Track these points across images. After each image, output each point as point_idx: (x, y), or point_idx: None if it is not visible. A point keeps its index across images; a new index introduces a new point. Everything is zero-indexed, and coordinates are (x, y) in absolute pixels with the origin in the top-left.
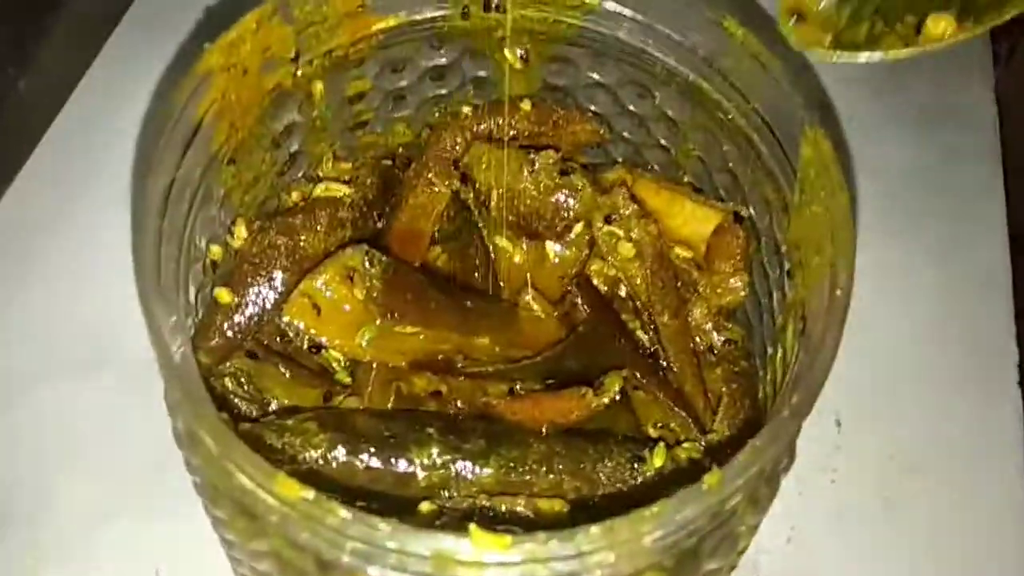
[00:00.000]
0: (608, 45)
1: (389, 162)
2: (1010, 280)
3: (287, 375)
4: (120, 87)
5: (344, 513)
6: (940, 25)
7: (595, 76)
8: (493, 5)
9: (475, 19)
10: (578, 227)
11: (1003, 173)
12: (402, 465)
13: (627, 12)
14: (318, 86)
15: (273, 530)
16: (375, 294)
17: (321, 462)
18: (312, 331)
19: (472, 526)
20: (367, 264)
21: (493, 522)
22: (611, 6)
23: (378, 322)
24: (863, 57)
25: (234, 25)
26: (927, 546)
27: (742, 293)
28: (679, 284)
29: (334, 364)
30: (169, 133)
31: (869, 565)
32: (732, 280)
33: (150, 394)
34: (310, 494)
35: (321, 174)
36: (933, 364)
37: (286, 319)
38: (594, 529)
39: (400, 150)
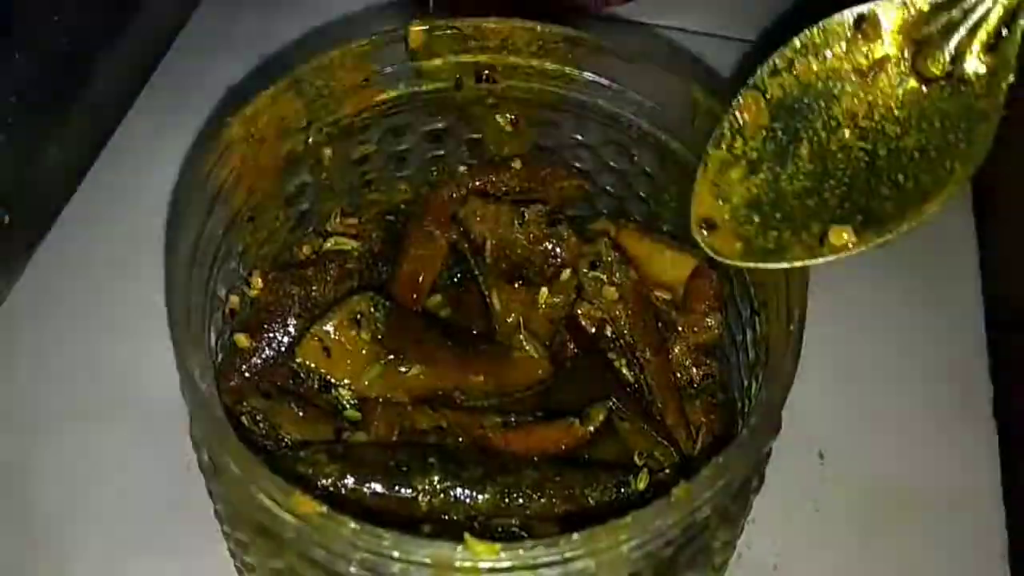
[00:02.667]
0: (588, 110)
1: (392, 217)
2: (983, 316)
3: (299, 413)
4: (144, 151)
5: (353, 525)
6: (842, 236)
7: (579, 137)
8: (484, 77)
9: (467, 90)
10: (565, 273)
11: (974, 209)
12: (405, 491)
13: (604, 81)
14: (326, 151)
15: (289, 546)
16: (380, 336)
17: (332, 489)
18: (322, 370)
19: (467, 535)
20: (373, 309)
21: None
22: (590, 76)
23: (382, 362)
24: (771, 265)
25: (253, 100)
26: (908, 573)
27: (717, 331)
28: (660, 324)
29: (343, 402)
30: (196, 196)
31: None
32: (708, 319)
33: (167, 435)
34: (323, 508)
35: (329, 229)
36: (911, 399)
37: (299, 360)
38: (575, 536)
39: (402, 206)
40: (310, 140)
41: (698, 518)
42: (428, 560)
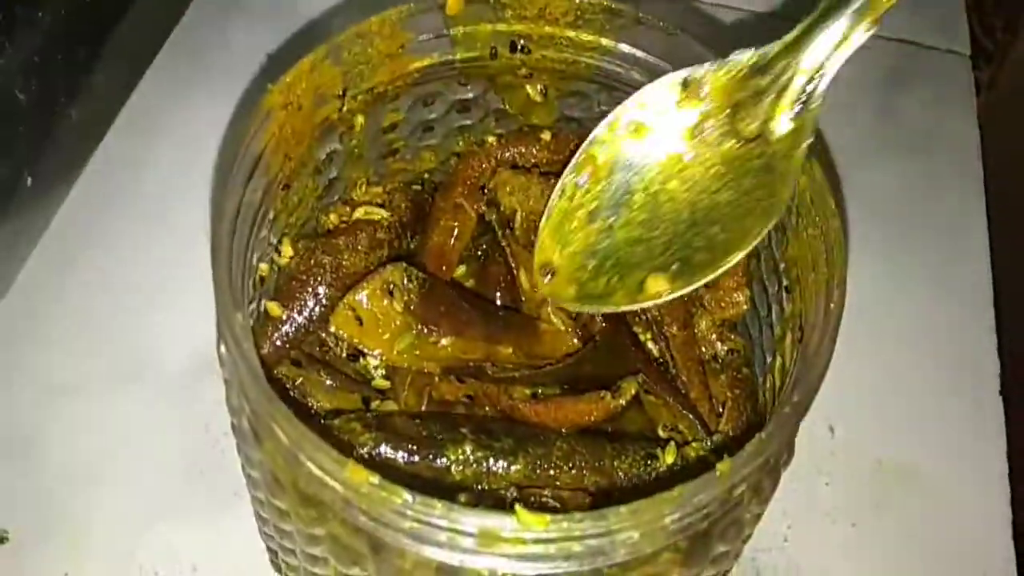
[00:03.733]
0: (620, 81)
1: (419, 187)
2: (992, 296)
3: (328, 382)
4: (159, 115)
5: (407, 495)
6: (657, 284)
7: (607, 108)
8: (519, 47)
9: (502, 59)
10: None
11: (984, 194)
12: (439, 461)
13: (639, 54)
14: (359, 119)
15: (334, 515)
16: (412, 307)
17: (366, 458)
18: (355, 340)
19: (518, 507)
20: (406, 280)
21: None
22: (625, 48)
23: (414, 332)
24: (598, 309)
25: (292, 67)
26: (915, 545)
27: (744, 307)
28: (685, 299)
29: (371, 371)
30: (239, 163)
31: (860, 564)
32: (735, 295)
33: (183, 401)
34: (375, 479)
35: (355, 197)
36: (920, 375)
37: (332, 329)
38: (623, 509)
39: (426, 175)
40: (344, 108)
41: (736, 492)
42: (477, 530)
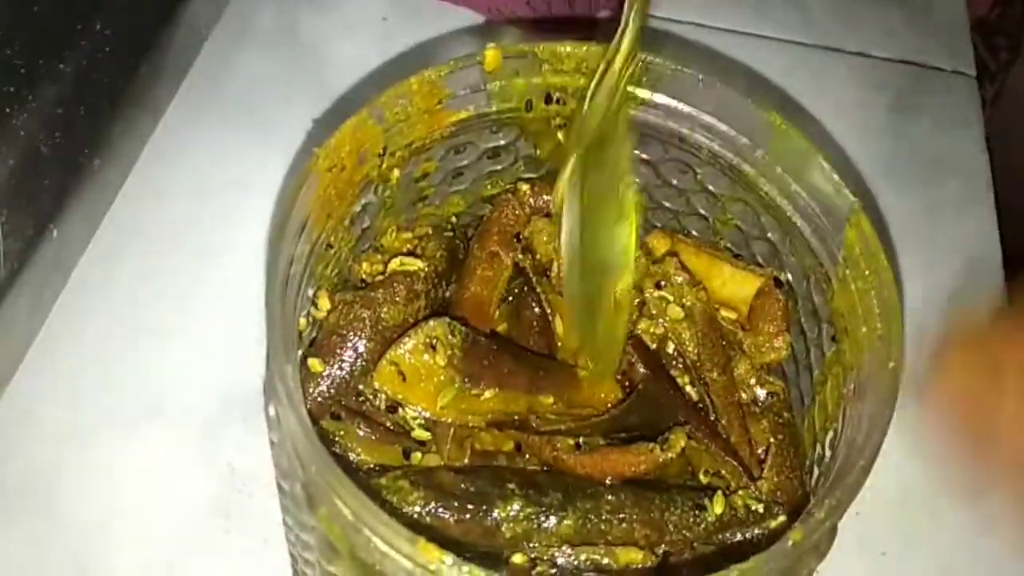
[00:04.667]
0: (655, 129)
1: (450, 232)
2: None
3: (369, 434)
4: (175, 158)
5: (482, 574)
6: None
7: (640, 154)
8: (554, 99)
9: (537, 110)
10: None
11: (996, 207)
12: (490, 519)
13: (675, 104)
14: (395, 173)
15: None
16: (455, 361)
17: (415, 517)
18: (399, 395)
19: None
20: (449, 335)
21: (579, 571)
22: (660, 99)
23: (457, 386)
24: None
25: (337, 130)
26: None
27: (784, 352)
28: (724, 343)
29: (410, 422)
30: (287, 227)
31: None
32: (775, 340)
33: (205, 442)
34: (449, 558)
35: (385, 244)
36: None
37: (376, 385)
38: None
39: (454, 218)
40: (383, 165)
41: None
42: None
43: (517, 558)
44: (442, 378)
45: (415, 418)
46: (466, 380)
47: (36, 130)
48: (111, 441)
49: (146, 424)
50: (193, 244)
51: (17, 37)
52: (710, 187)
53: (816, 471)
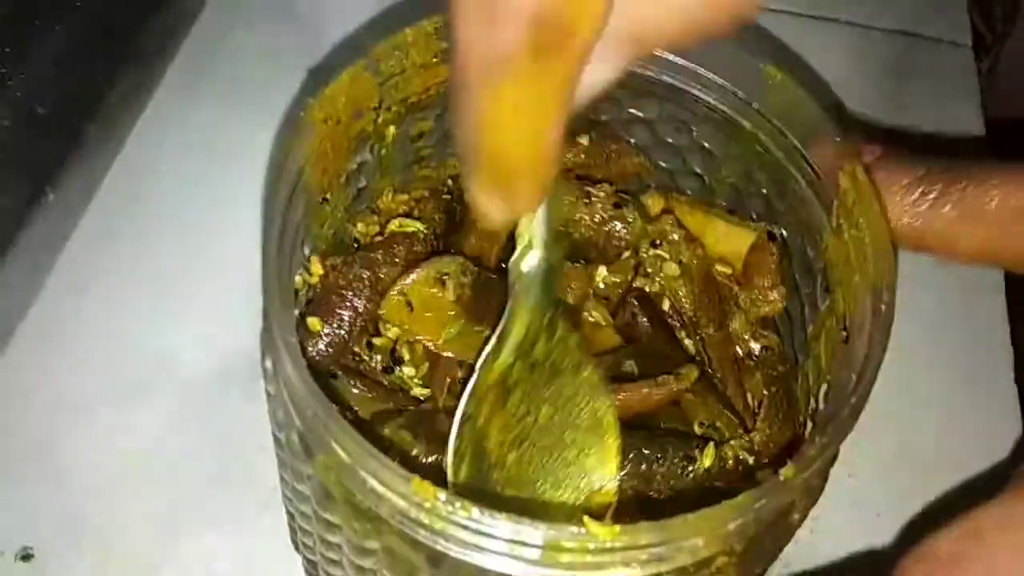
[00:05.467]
0: (652, 85)
1: (447, 195)
2: (1003, 286)
3: (364, 392)
4: (172, 124)
5: (475, 510)
6: None
7: (636, 112)
8: None
9: None
10: (625, 254)
11: None
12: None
13: (672, 57)
14: (391, 130)
15: (390, 528)
16: (464, 298)
17: (415, 465)
18: (404, 326)
19: (586, 518)
20: (461, 273)
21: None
22: (657, 52)
23: (462, 322)
24: None
25: (332, 81)
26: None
27: (780, 304)
28: (720, 298)
29: (407, 381)
30: (283, 179)
31: (884, 553)
32: (770, 293)
33: (203, 411)
34: (443, 495)
35: (381, 206)
36: (937, 368)
37: (382, 312)
38: (690, 517)
39: (450, 181)
40: (379, 120)
41: (795, 496)
42: (544, 542)
43: None
44: (449, 313)
45: (412, 376)
46: (472, 317)
47: (32, 91)
48: (109, 409)
49: (143, 392)
50: (189, 212)
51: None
52: (706, 144)
53: (810, 425)
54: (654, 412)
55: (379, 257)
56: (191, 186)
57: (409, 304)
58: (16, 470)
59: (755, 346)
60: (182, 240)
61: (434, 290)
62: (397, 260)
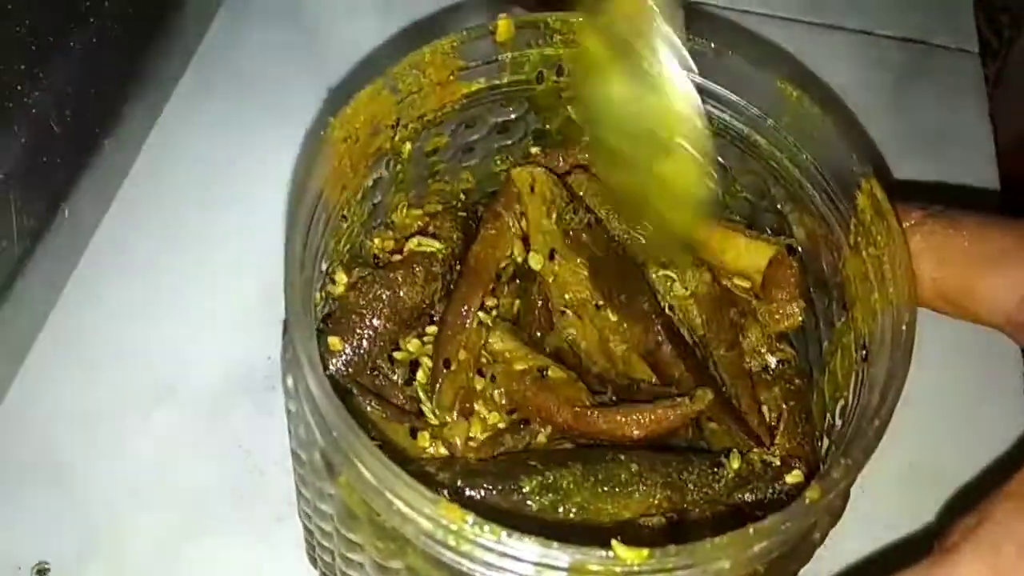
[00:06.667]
0: None
1: (463, 213)
2: None
3: (378, 412)
4: (183, 138)
5: (504, 533)
6: None
7: None
8: (565, 71)
9: (547, 82)
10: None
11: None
12: (517, 494)
13: (685, 75)
14: (407, 147)
15: (414, 549)
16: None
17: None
18: (523, 196)
19: (614, 542)
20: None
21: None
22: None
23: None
24: None
25: (351, 100)
26: None
27: (799, 318)
28: (737, 312)
29: (421, 394)
30: (304, 198)
31: (893, 562)
32: (789, 307)
33: (220, 427)
34: (470, 517)
35: (396, 220)
36: (944, 374)
37: (512, 175)
38: (717, 540)
39: (463, 196)
40: (396, 137)
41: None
42: (570, 565)
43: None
44: (557, 210)
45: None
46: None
47: (48, 108)
48: (123, 421)
49: (157, 404)
50: (202, 223)
51: (27, 15)
52: (720, 159)
53: (826, 441)
54: (673, 434)
55: (398, 277)
56: (203, 197)
57: (533, 185)
58: (33, 484)
59: (772, 360)
60: (194, 249)
61: (554, 187)
62: (417, 280)
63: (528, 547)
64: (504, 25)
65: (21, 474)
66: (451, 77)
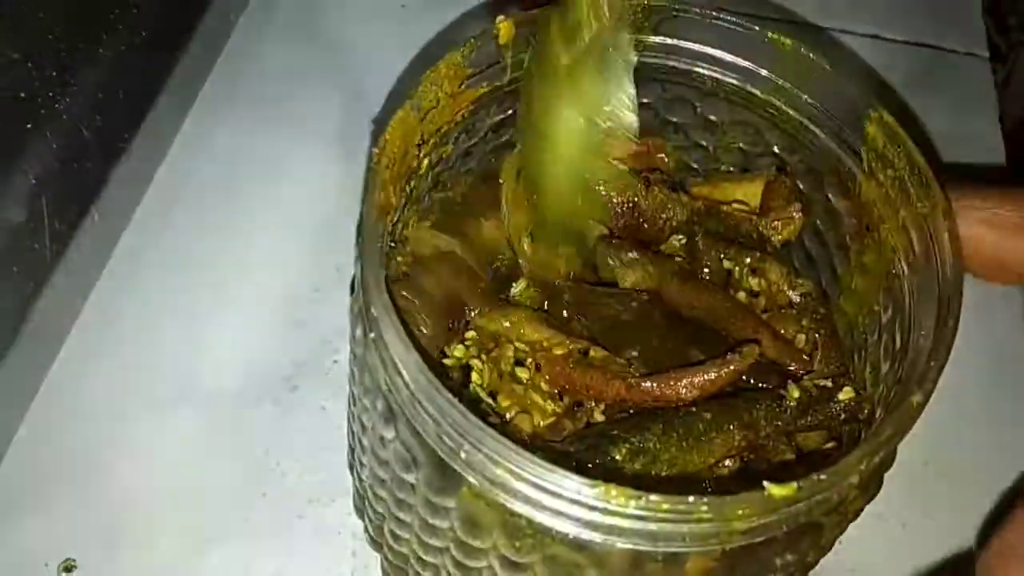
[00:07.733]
0: (655, 70)
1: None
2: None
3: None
4: (207, 141)
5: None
6: None
7: (641, 99)
8: None
9: None
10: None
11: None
12: (611, 464)
13: (672, 42)
14: (425, 162)
15: (552, 540)
16: None
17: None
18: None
19: (766, 482)
20: None
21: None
22: (659, 39)
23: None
24: None
25: (388, 128)
26: (960, 542)
27: (800, 220)
28: (742, 234)
29: (481, 395)
30: (369, 236)
31: (908, 561)
32: (787, 211)
33: (242, 426)
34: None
35: (407, 235)
36: (960, 377)
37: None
38: (848, 458)
39: (459, 199)
40: (420, 154)
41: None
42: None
43: None
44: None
45: (481, 386)
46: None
47: (79, 115)
48: (148, 421)
49: (182, 404)
50: (225, 227)
51: (58, 22)
52: (711, 117)
53: (856, 359)
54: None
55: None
56: (225, 202)
57: None
58: (60, 482)
59: (794, 295)
60: (218, 253)
61: None
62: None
63: (699, 507)
64: (505, 27)
65: (48, 471)
66: (461, 87)
